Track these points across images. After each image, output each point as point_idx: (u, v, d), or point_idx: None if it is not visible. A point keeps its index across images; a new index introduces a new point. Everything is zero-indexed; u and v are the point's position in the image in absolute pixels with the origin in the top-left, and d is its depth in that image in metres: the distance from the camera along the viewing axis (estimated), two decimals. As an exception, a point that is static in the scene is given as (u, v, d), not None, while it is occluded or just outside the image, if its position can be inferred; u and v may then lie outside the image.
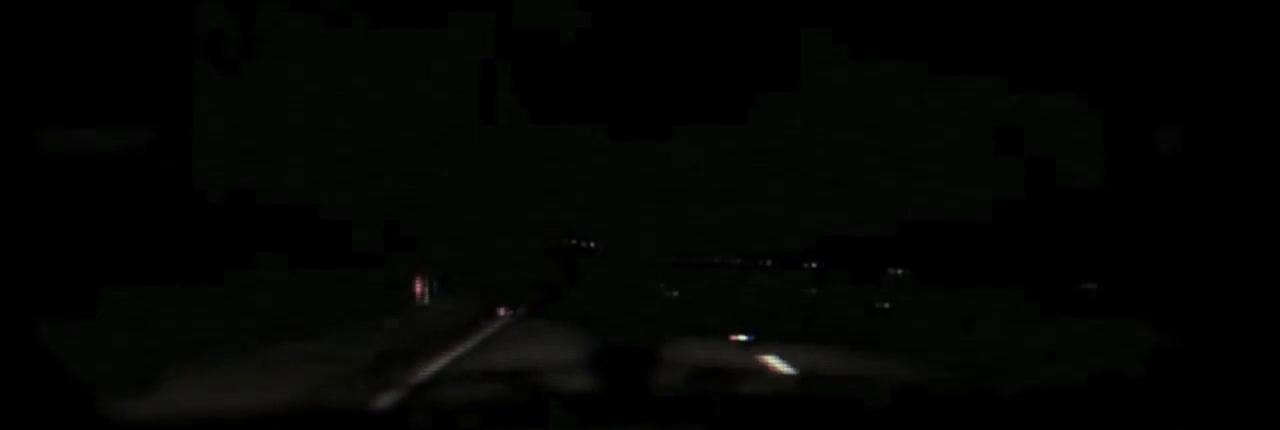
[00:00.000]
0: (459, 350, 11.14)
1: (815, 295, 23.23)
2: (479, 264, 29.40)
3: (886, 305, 18.43)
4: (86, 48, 10.39)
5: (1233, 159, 12.13)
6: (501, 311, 17.50)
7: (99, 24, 10.54)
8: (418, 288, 12.57)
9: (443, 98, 18.79)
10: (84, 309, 9.66)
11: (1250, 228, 11.57)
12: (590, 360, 2.44)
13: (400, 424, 2.30)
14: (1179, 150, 13.31)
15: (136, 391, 6.55)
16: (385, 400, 5.45)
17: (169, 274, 12.00)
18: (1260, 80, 11.65)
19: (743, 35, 17.24)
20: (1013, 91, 15.86)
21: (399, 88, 17.71)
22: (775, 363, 9.56)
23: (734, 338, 11.99)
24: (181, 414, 2.33)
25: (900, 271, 26.34)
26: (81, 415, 2.19)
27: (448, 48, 17.11)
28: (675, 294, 23.58)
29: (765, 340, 11.52)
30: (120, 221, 11.61)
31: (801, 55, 17.59)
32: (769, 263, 33.32)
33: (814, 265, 28.21)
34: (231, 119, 13.95)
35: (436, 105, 19.08)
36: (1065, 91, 15.07)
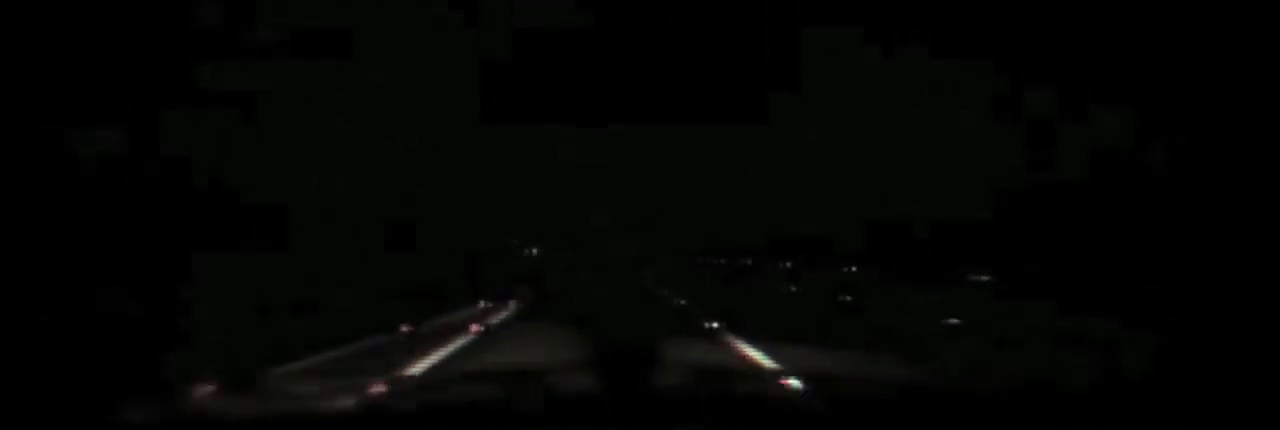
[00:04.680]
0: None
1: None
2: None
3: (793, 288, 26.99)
4: (89, 46, 10.42)
5: (1232, 159, 12.13)
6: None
7: (97, 24, 10.57)
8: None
9: (441, 97, 18.83)
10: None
11: (1250, 227, 11.58)
12: (590, 360, 2.45)
13: (401, 424, 2.32)
14: (1178, 150, 13.32)
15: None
16: (385, 400, 5.46)
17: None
18: (1262, 80, 11.65)
19: (746, 34, 17.25)
20: (1015, 87, 15.88)
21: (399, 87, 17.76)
22: (773, 363, 9.58)
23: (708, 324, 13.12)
24: (186, 414, 2.34)
25: (750, 261, 35.08)
26: (91, 416, 2.20)
27: (446, 47, 17.13)
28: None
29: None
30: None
31: (804, 54, 17.61)
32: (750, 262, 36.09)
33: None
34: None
35: (436, 105, 19.12)
36: (1067, 88, 15.09)
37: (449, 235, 26.38)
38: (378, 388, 2.67)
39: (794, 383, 2.62)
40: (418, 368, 9.30)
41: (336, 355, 10.15)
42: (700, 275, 35.09)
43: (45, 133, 10.26)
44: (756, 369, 8.19)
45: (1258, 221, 11.55)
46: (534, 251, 40.16)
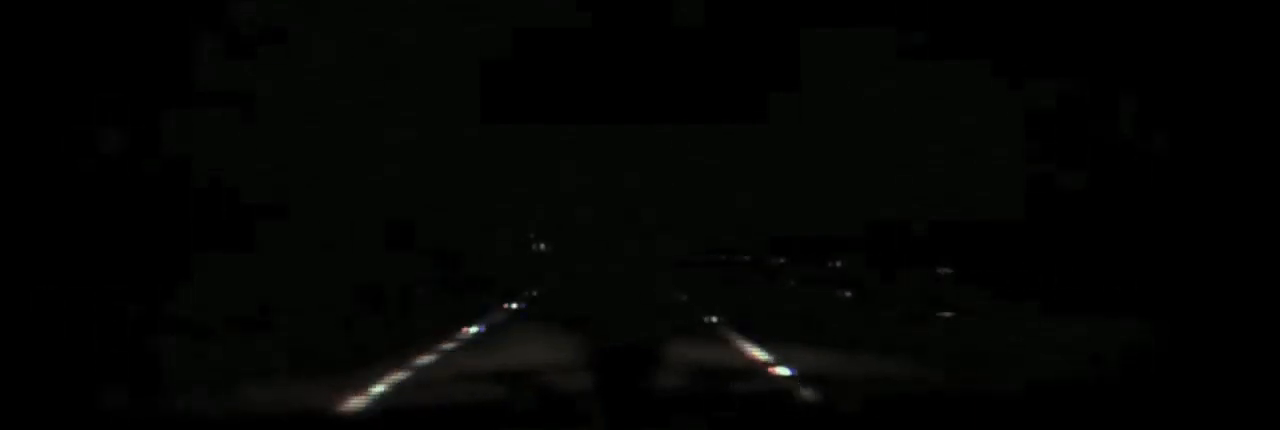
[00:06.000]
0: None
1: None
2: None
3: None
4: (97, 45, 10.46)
5: (1230, 157, 12.13)
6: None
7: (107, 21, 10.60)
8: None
9: (441, 97, 18.87)
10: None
11: (1249, 227, 11.58)
12: (590, 360, 2.46)
13: (402, 424, 2.32)
14: (1176, 148, 13.32)
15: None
16: (386, 400, 5.46)
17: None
18: (1259, 79, 11.65)
19: (746, 34, 17.28)
20: (1014, 84, 15.90)
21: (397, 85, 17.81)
22: (772, 363, 9.57)
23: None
24: (185, 414, 2.35)
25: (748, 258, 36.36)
26: (84, 414, 2.21)
27: (446, 47, 17.17)
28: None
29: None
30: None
31: (805, 55, 17.64)
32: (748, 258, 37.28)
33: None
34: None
35: (435, 105, 19.16)
36: (1059, 83, 15.12)
37: (450, 235, 26.39)
38: (377, 387, 2.67)
39: (791, 381, 2.63)
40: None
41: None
42: (705, 275, 34.96)
43: (45, 133, 10.27)
44: (755, 369, 8.21)
45: (1261, 214, 11.56)
46: (541, 247, 41.09)
